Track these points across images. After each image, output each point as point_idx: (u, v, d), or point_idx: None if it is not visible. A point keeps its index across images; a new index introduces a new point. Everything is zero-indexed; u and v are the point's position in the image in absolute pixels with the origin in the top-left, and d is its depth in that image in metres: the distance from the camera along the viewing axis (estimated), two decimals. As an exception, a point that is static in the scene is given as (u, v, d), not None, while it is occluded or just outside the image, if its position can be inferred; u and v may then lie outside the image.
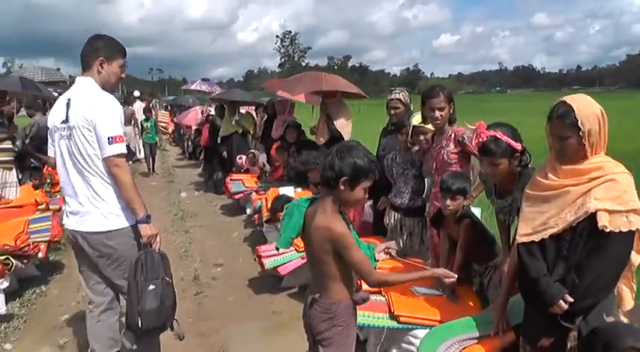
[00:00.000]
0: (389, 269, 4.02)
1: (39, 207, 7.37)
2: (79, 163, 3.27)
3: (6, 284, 5.32)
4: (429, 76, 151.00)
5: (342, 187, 2.45)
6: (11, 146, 7.83)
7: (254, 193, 8.38)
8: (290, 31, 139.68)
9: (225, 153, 10.77)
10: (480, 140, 3.17)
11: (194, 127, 15.80)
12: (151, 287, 3.23)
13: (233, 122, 10.61)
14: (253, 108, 12.03)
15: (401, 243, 4.92)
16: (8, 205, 7.22)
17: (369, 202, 5.60)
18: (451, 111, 4.21)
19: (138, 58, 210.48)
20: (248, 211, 8.93)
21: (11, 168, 7.86)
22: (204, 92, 16.28)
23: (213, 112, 12.04)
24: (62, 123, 3.30)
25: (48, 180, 8.83)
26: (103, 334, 3.62)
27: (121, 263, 3.41)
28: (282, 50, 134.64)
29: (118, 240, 3.36)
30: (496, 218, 3.71)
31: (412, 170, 4.86)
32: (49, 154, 3.67)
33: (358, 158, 2.45)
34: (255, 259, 5.53)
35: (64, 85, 12.64)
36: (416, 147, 4.77)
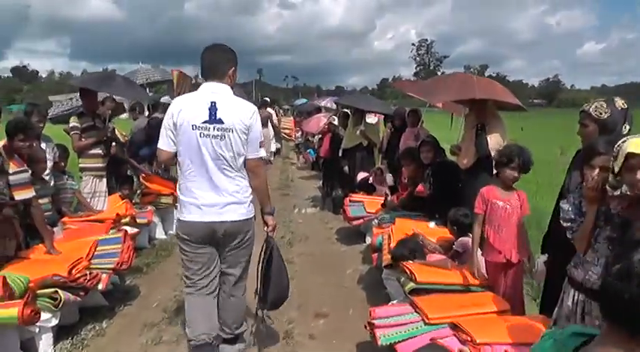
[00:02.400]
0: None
1: (122, 221, 6.40)
2: (226, 161, 3.64)
3: (54, 322, 4.31)
4: (569, 87, 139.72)
5: None
6: (101, 151, 6.89)
7: (375, 221, 6.88)
8: (426, 39, 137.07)
9: (346, 168, 9.34)
10: None
11: (317, 136, 14.63)
12: (284, 266, 4.13)
13: (357, 132, 9.17)
14: (382, 117, 10.55)
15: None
16: (90, 218, 6.26)
17: (543, 258, 3.96)
18: None
19: (274, 66, 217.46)
20: (368, 240, 7.44)
21: (102, 177, 6.93)
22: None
23: (336, 121, 10.60)
24: (206, 122, 3.58)
25: (138, 191, 7.85)
26: (211, 312, 4.02)
27: (246, 247, 3.93)
28: (417, 58, 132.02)
29: (249, 227, 3.87)
30: None
31: (605, 230, 2.88)
32: (162, 148, 3.76)
33: None
34: (366, 326, 3.98)
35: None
36: (616, 192, 2.80)
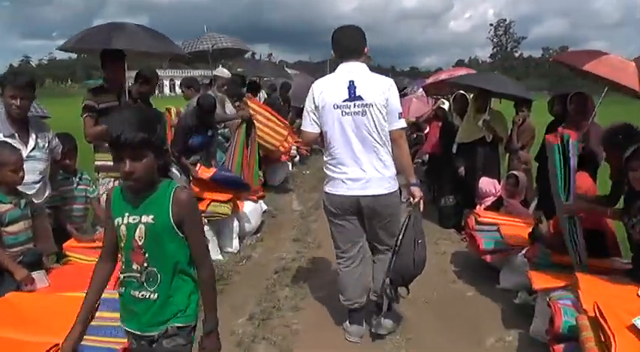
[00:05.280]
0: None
1: None
2: (371, 135, 3.75)
3: None
4: None
5: None
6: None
7: (520, 257, 4.64)
8: (505, 19, 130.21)
9: (461, 170, 6.99)
10: None
11: (410, 120, 12.28)
12: (420, 240, 3.91)
13: (480, 123, 6.78)
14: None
15: None
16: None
17: None
18: None
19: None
20: (503, 282, 5.15)
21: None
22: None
23: (446, 106, 8.07)
24: (347, 101, 3.72)
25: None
26: (359, 281, 4.13)
27: (389, 220, 3.97)
28: (494, 40, 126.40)
29: (393, 200, 3.92)
30: None
31: None
32: (306, 130, 3.91)
33: None
34: None
35: (246, 58, 10.16)
36: None
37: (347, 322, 4.20)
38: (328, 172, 3.93)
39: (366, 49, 3.88)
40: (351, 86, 3.71)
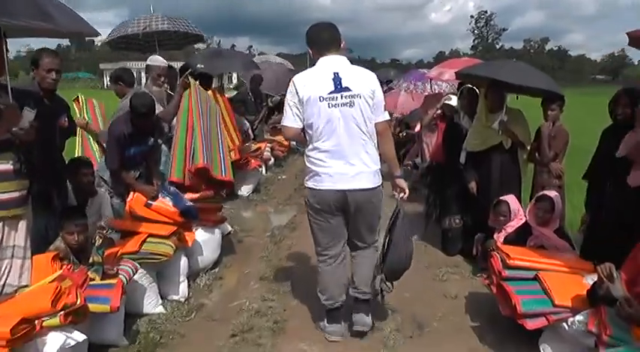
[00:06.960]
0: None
1: (47, 322, 2.98)
2: (359, 127, 3.69)
3: None
4: (636, 63, 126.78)
5: None
6: (10, 166, 3.36)
7: (579, 326, 3.32)
8: (486, 11, 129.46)
9: (472, 185, 5.56)
10: None
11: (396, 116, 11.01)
12: (410, 235, 4.12)
13: (495, 125, 5.37)
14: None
15: None
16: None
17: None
18: None
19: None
20: (545, 351, 3.75)
21: (18, 218, 3.37)
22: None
23: (454, 102, 6.52)
24: (333, 92, 3.64)
25: (99, 239, 4.32)
26: (341, 279, 4.03)
27: (372, 215, 3.89)
28: (475, 31, 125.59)
29: (378, 195, 3.86)
30: None
31: None
32: (289, 125, 3.78)
33: None
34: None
35: (198, 41, 8.49)
36: None
37: (324, 322, 4.09)
38: (312, 166, 3.80)
39: (342, 44, 3.89)
40: (336, 78, 3.66)
